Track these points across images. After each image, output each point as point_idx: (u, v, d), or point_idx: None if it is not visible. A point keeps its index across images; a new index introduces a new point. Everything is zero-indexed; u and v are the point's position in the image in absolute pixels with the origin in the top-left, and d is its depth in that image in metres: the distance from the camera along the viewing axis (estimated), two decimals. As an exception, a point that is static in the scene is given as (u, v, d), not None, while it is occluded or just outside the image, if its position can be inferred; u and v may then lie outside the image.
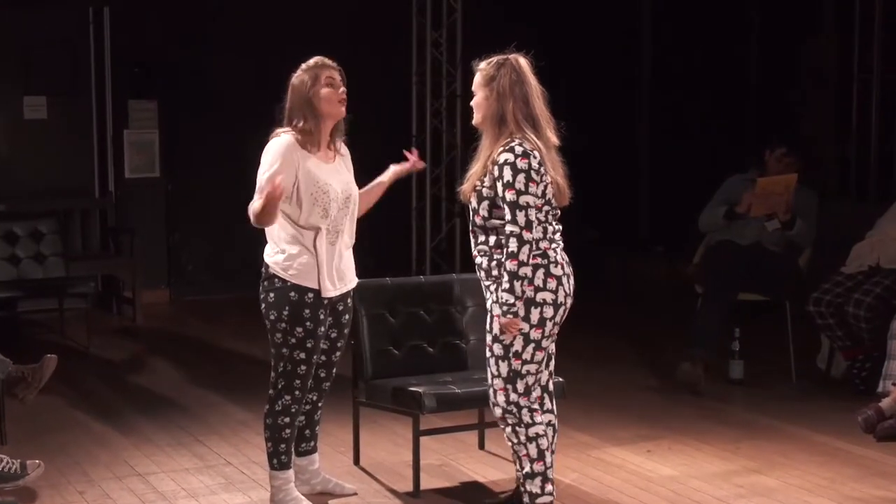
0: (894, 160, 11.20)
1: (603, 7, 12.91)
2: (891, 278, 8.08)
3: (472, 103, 5.49)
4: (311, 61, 5.67)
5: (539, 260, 5.29)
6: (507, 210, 5.23)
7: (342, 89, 5.67)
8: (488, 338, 5.38)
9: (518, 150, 5.24)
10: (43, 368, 6.60)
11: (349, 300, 5.85)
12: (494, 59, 5.43)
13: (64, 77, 11.16)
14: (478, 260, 5.44)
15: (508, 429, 5.41)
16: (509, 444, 5.48)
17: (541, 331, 5.33)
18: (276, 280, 5.62)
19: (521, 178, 5.21)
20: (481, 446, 6.92)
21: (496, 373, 5.37)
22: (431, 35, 11.71)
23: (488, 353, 5.40)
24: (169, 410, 7.85)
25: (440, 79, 11.78)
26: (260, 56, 11.21)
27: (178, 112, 11.42)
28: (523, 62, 5.41)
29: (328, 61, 5.68)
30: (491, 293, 5.37)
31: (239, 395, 8.06)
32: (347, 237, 5.75)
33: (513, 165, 5.21)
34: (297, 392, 5.70)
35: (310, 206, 5.55)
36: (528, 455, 5.41)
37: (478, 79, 5.46)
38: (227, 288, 11.41)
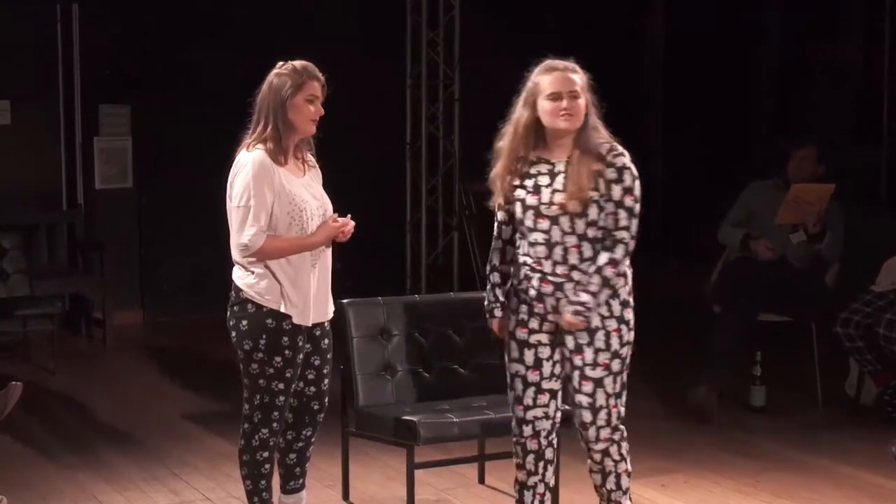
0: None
1: (611, 3, 12.89)
2: (925, 297, 8.09)
3: (576, 105, 5.49)
4: (300, 65, 5.59)
5: (630, 274, 5.57)
6: (623, 215, 5.40)
7: (321, 110, 5.62)
8: (602, 356, 5.49)
9: (627, 154, 5.47)
10: (7, 396, 6.54)
11: (326, 324, 5.77)
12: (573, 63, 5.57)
13: (29, 80, 11.13)
14: (579, 279, 5.46)
15: (613, 447, 5.59)
16: (610, 464, 5.60)
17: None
18: (250, 305, 5.54)
19: (637, 184, 5.45)
20: (481, 480, 6.88)
21: (612, 391, 5.54)
22: (427, 34, 11.72)
23: (602, 373, 5.50)
24: (142, 441, 7.82)
25: (437, 82, 11.78)
26: (244, 57, 11.08)
27: (152, 118, 11.39)
28: None
29: (317, 71, 5.60)
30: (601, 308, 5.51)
31: (219, 426, 8.03)
32: (329, 257, 5.70)
33: (631, 170, 5.44)
34: (274, 425, 5.65)
35: (286, 227, 5.50)
36: (626, 471, 5.65)
37: (581, 81, 5.54)
38: (205, 308, 11.31)
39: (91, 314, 11.09)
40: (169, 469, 7.23)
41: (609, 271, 5.37)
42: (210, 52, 11.43)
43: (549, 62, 5.54)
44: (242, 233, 5.46)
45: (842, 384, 8.64)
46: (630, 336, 5.54)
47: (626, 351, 5.53)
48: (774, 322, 8.62)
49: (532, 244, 5.49)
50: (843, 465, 7.25)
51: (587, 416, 5.54)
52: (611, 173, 5.40)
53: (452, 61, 11.68)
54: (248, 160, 5.50)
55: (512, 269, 5.63)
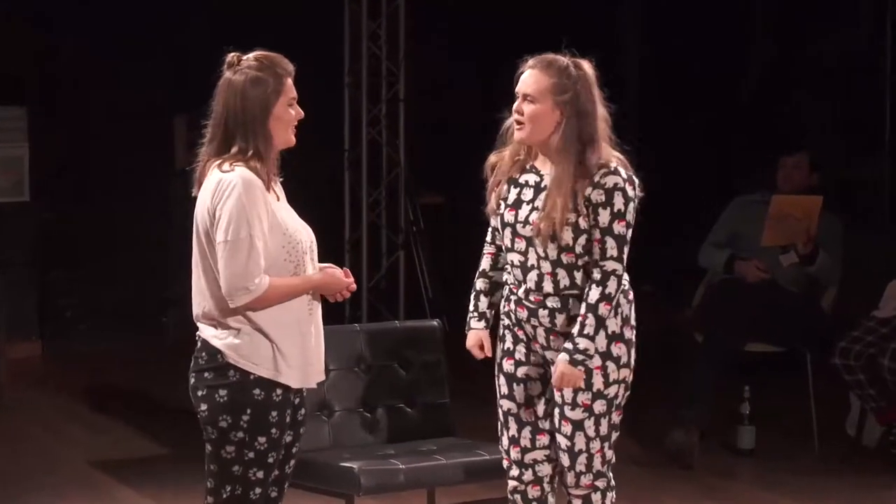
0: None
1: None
2: (933, 324, 8.16)
3: (526, 112, 5.36)
4: (271, 59, 5.19)
5: (631, 296, 5.54)
6: (611, 244, 5.33)
7: (301, 113, 5.34)
8: (582, 396, 5.42)
9: (623, 173, 5.34)
10: None
11: (304, 391, 5.30)
12: (561, 59, 5.37)
13: None
14: (555, 306, 5.40)
15: (596, 495, 5.55)
16: None
17: (632, 374, 5.54)
18: (233, 372, 5.00)
19: (631, 208, 5.35)
20: (430, 534, 6.82)
21: (594, 434, 5.49)
22: (368, 26, 11.75)
23: (582, 415, 5.45)
24: (41, 492, 7.75)
25: (379, 80, 11.82)
26: (158, 53, 11.20)
27: (52, 122, 11.40)
28: (588, 66, 5.41)
29: (289, 63, 5.26)
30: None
31: (130, 474, 7.97)
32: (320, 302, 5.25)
33: (624, 192, 5.33)
34: None
35: (281, 266, 5.01)
36: None
37: (543, 83, 5.35)
38: (113, 337, 11.34)
39: (-18, 346, 11.01)
40: (71, 525, 7.18)
41: (603, 309, 5.32)
42: (115, 49, 11.42)
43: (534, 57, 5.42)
44: (243, 274, 4.91)
45: (841, 422, 8.68)
46: (620, 374, 5.46)
47: (614, 390, 5.46)
48: (764, 353, 8.66)
49: (511, 265, 5.48)
50: (844, 516, 7.32)
51: (565, 459, 5.51)
52: (598, 195, 5.31)
53: (397, 56, 11.71)
54: (237, 181, 4.97)
55: (504, 280, 5.59)
